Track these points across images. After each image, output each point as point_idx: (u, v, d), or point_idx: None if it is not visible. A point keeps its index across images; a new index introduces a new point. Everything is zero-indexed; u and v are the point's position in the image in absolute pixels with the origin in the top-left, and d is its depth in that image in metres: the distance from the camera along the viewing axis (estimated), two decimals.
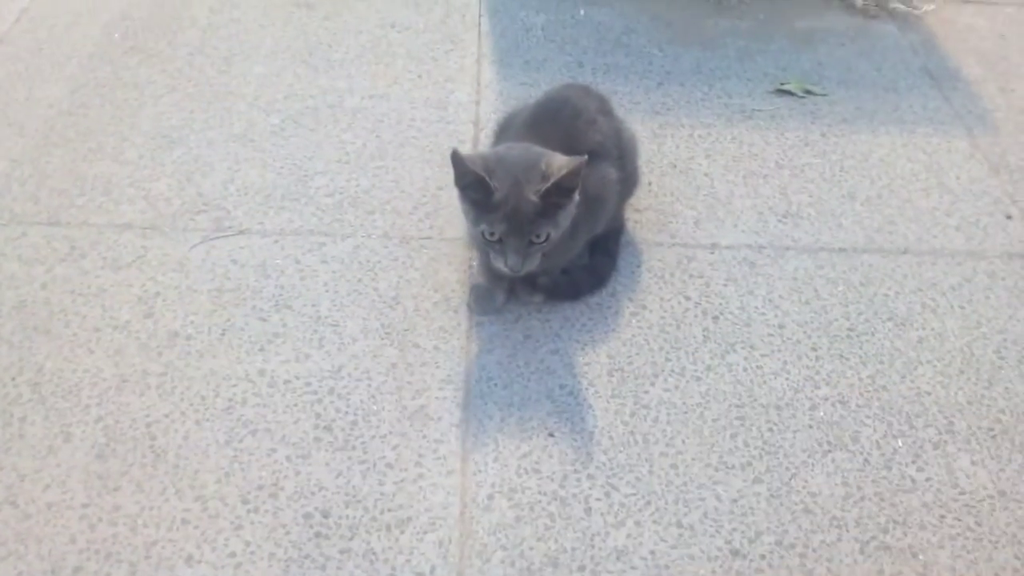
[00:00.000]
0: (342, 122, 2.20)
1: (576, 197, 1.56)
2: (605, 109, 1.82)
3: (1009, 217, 2.02)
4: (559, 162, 1.52)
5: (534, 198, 1.50)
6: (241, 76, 2.33)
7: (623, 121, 1.89)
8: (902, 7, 2.75)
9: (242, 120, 2.19)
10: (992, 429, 1.59)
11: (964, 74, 2.49)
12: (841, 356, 1.70)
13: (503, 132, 1.82)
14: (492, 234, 1.52)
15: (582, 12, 2.66)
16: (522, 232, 1.51)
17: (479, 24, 2.58)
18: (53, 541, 1.36)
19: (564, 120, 1.72)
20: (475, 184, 1.51)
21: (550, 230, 1.53)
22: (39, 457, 1.47)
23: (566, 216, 1.56)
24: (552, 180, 1.49)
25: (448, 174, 1.54)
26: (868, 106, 2.35)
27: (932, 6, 2.78)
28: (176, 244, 1.85)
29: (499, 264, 1.56)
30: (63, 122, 2.15)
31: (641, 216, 1.97)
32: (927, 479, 1.51)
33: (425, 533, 1.39)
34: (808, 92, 2.38)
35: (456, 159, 1.50)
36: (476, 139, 2.15)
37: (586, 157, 1.53)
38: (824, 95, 2.38)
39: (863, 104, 2.35)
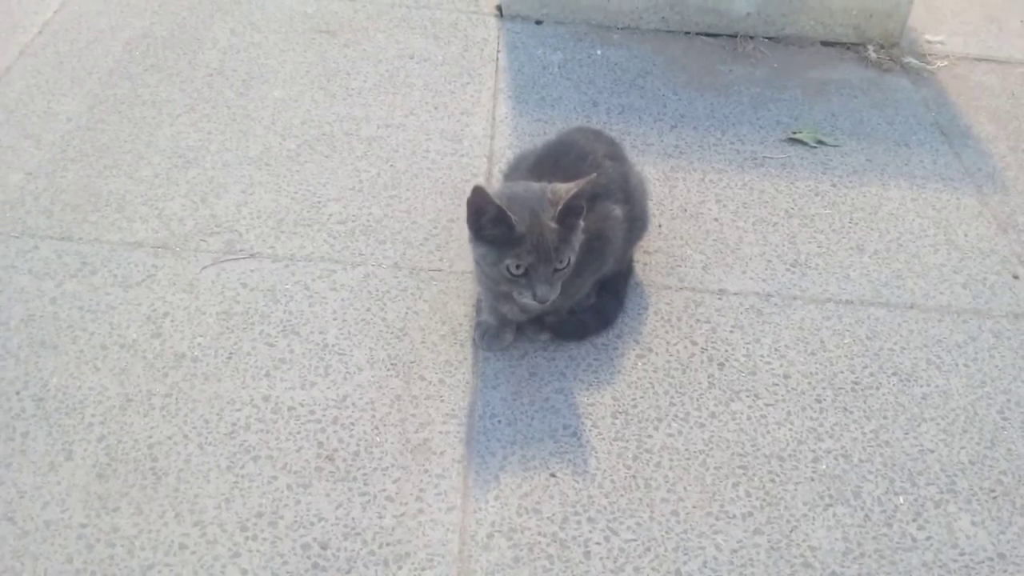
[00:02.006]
0: (357, 150, 2.21)
1: (582, 223, 1.58)
2: (613, 153, 1.83)
3: (1016, 277, 2.03)
4: (564, 186, 1.56)
5: (554, 224, 1.53)
6: (259, 99, 2.35)
7: (633, 165, 1.90)
8: (915, 62, 2.78)
9: (258, 143, 2.20)
10: (993, 490, 1.59)
11: (975, 131, 2.51)
12: (845, 409, 1.70)
13: (512, 172, 1.84)
14: (518, 267, 1.54)
15: (599, 52, 2.69)
16: (549, 260, 1.54)
17: (497, 59, 2.60)
18: (50, 560, 1.35)
19: (569, 162, 1.74)
20: (494, 220, 1.52)
21: (570, 254, 1.56)
22: (40, 474, 1.46)
23: (578, 238, 1.58)
24: (564, 201, 1.53)
25: (459, 206, 1.55)
26: (879, 159, 2.36)
27: (945, 62, 2.81)
28: (187, 264, 1.86)
29: (525, 299, 1.57)
30: (80, 137, 2.17)
31: (650, 259, 1.98)
32: (927, 538, 1.50)
33: (423, 570, 1.39)
34: (820, 142, 2.40)
35: (480, 194, 1.51)
36: (489, 173, 2.17)
37: (594, 175, 1.58)
38: (836, 146, 2.40)
39: (874, 157, 2.37)
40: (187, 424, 1.56)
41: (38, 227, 1.91)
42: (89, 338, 1.69)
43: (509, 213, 1.50)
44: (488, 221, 1.54)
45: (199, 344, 1.70)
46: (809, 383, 1.75)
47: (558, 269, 1.56)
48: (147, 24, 2.60)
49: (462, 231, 1.85)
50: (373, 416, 1.60)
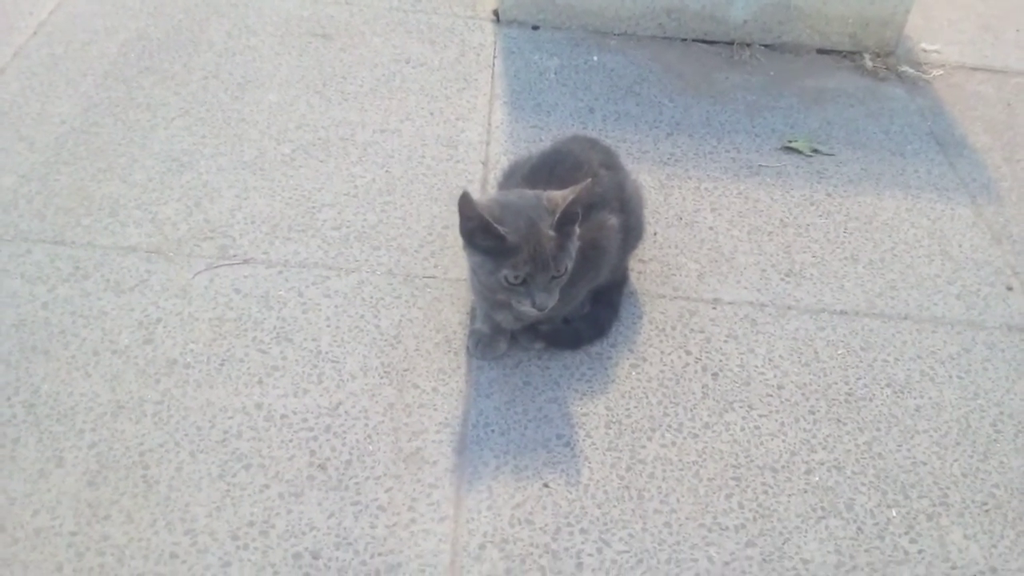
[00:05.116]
0: (352, 155, 2.21)
1: (578, 230, 1.58)
2: (609, 162, 1.83)
3: (1010, 288, 2.03)
4: (560, 193, 1.56)
5: (551, 233, 1.52)
6: (254, 103, 2.34)
7: (629, 174, 1.90)
8: (911, 71, 2.78)
9: (253, 148, 2.20)
10: (986, 503, 1.59)
11: (970, 141, 2.51)
12: (838, 420, 1.70)
13: (507, 180, 1.84)
14: (516, 277, 1.53)
15: (595, 58, 2.69)
16: (547, 268, 1.53)
17: (493, 64, 2.60)
18: (40, 568, 1.35)
19: (564, 171, 1.73)
20: (482, 230, 1.52)
21: (567, 262, 1.56)
22: (30, 481, 1.46)
23: (574, 245, 1.58)
24: (561, 209, 1.52)
25: (454, 213, 1.54)
26: (874, 168, 2.37)
27: (941, 71, 2.81)
28: (180, 270, 1.85)
29: (524, 307, 1.56)
30: (74, 140, 2.16)
31: (645, 267, 1.98)
32: (920, 551, 1.50)
33: None
34: (815, 151, 2.40)
35: (465, 201, 1.51)
36: (485, 179, 2.17)
37: (589, 181, 1.57)
38: (831, 155, 2.40)
39: (869, 166, 2.37)
40: (179, 431, 1.55)
41: (31, 230, 1.90)
42: (81, 344, 1.68)
43: (496, 225, 1.49)
44: (477, 231, 1.53)
45: (191, 350, 1.69)
46: (803, 394, 1.75)
47: (555, 276, 1.56)
48: (142, 26, 2.59)
49: (457, 238, 1.84)
50: (366, 424, 1.60)
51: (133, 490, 1.46)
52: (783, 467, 1.61)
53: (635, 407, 1.68)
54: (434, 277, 1.90)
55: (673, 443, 1.63)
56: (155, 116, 2.27)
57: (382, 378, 1.68)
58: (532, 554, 1.43)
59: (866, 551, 1.49)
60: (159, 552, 1.38)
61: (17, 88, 2.31)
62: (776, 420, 1.69)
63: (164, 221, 1.96)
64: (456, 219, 1.56)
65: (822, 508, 1.55)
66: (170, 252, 1.89)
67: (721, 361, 1.79)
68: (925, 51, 2.90)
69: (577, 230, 1.58)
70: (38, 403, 1.57)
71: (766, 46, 2.82)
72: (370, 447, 1.56)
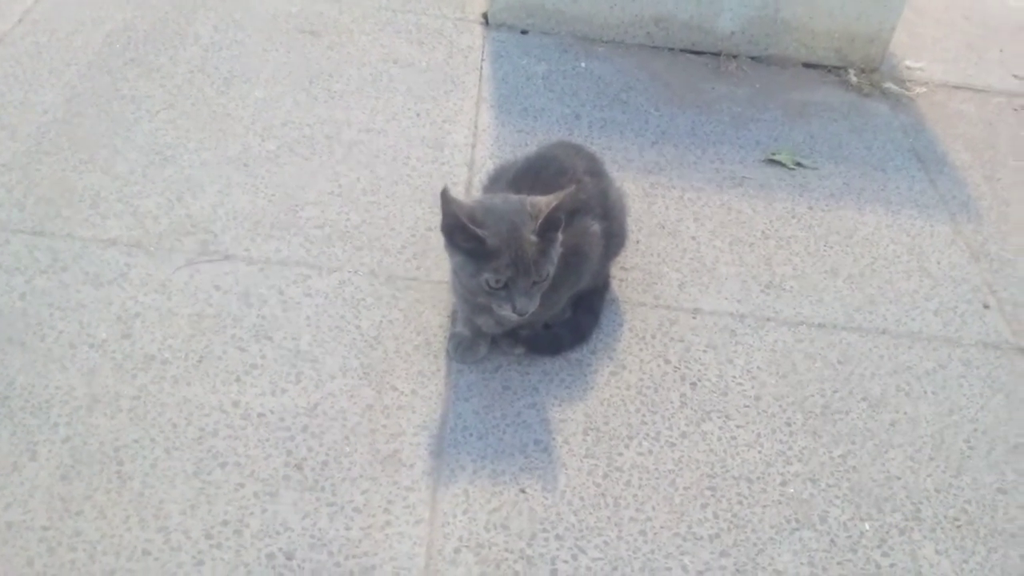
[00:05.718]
0: (337, 154, 2.20)
1: (560, 236, 1.58)
2: (593, 169, 1.84)
3: (986, 306, 2.05)
4: (544, 199, 1.56)
5: (534, 238, 1.53)
6: (240, 98, 2.33)
7: (612, 181, 1.90)
8: (895, 87, 2.81)
9: (237, 143, 2.18)
10: (958, 519, 1.60)
11: (951, 159, 2.54)
12: (814, 433, 1.71)
13: (492, 185, 1.84)
14: (498, 281, 1.53)
15: (583, 64, 2.69)
16: (529, 273, 1.53)
17: (481, 68, 2.60)
18: (10, 563, 1.33)
19: (548, 177, 1.74)
20: (461, 232, 1.52)
21: (549, 267, 1.56)
22: (3, 474, 1.44)
23: (556, 251, 1.59)
24: (544, 215, 1.52)
25: (437, 215, 1.55)
26: (856, 183, 2.38)
27: (924, 89, 2.84)
28: (160, 264, 1.84)
29: (504, 311, 1.56)
30: (56, 130, 2.14)
31: (627, 275, 1.99)
32: (891, 565, 1.52)
33: None
34: (798, 164, 2.42)
35: (445, 199, 1.51)
36: (469, 182, 2.16)
37: (573, 188, 1.59)
38: (814, 168, 2.42)
39: (851, 181, 2.39)
40: (154, 428, 1.54)
41: (10, 220, 1.88)
42: (58, 336, 1.67)
43: (473, 227, 1.49)
44: (457, 230, 1.53)
45: (169, 346, 1.68)
46: (780, 406, 1.76)
47: (537, 282, 1.56)
48: (129, 17, 2.57)
49: (440, 240, 1.84)
50: (344, 425, 1.59)
51: (107, 486, 1.45)
52: (758, 478, 1.62)
53: (613, 414, 1.69)
54: (416, 279, 1.90)
55: (650, 451, 1.63)
56: (139, 108, 2.25)
57: (361, 379, 1.68)
58: (507, 559, 1.43)
59: (839, 564, 1.50)
60: (131, 549, 1.37)
61: (0, 76, 2.29)
62: (752, 431, 1.70)
63: (145, 215, 1.95)
64: (439, 220, 1.57)
65: (796, 520, 1.56)
66: (150, 246, 1.88)
67: (700, 371, 1.80)
68: (909, 68, 2.93)
69: (560, 236, 1.59)
70: (12, 395, 1.56)
71: (753, 58, 2.84)
72: (347, 448, 1.56)
